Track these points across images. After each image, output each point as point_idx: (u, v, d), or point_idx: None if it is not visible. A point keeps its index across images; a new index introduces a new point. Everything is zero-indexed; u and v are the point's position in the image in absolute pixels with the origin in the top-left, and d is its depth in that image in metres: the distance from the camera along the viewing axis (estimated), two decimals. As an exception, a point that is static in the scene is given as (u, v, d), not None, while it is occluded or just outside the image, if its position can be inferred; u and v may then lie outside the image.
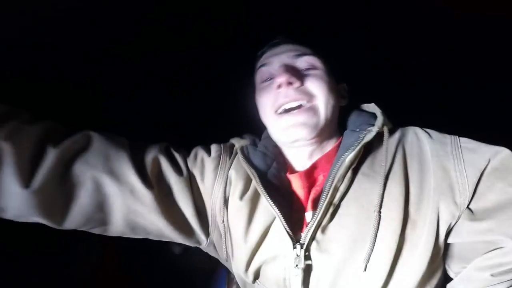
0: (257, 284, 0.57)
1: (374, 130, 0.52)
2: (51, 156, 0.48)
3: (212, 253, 0.65)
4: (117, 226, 0.54)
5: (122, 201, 0.52)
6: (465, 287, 0.49)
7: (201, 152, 0.61)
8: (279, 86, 0.53)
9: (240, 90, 0.68)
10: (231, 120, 0.80)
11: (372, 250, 0.47)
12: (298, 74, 0.55)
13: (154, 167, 0.56)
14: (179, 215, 0.57)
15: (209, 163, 0.60)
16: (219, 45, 0.84)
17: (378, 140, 0.54)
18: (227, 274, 1.07)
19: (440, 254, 0.50)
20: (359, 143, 0.51)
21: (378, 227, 0.47)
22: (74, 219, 0.51)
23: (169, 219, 0.55)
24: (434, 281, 0.51)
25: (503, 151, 0.48)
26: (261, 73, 0.59)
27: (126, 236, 0.58)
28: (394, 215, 0.48)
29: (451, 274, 0.53)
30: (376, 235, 0.47)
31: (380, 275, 0.47)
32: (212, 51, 0.84)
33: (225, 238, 0.58)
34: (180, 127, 0.92)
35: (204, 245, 0.61)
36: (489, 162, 0.48)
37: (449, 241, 0.50)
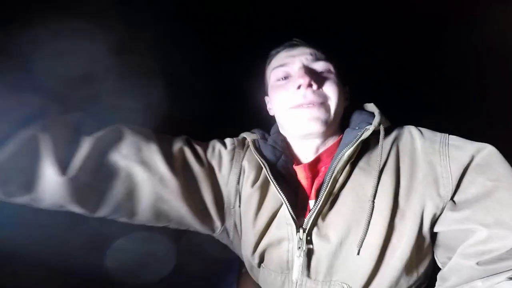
0: (262, 267, 0.64)
1: (370, 129, 0.57)
2: (85, 146, 0.52)
3: (223, 239, 0.70)
4: (143, 214, 0.58)
5: (152, 188, 0.56)
6: (456, 277, 0.51)
7: (217, 145, 0.67)
8: (299, 87, 0.58)
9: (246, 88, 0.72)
10: (237, 117, 0.84)
11: (365, 236, 0.53)
12: (316, 77, 0.60)
13: (180, 158, 0.61)
14: (200, 202, 0.62)
15: (225, 155, 0.65)
16: (226, 46, 0.87)
17: (375, 137, 0.59)
18: (239, 265, 1.13)
19: (426, 243, 0.54)
20: (357, 140, 0.56)
21: (371, 215, 0.53)
22: (106, 208, 0.55)
23: (192, 206, 0.60)
24: (422, 268, 0.55)
25: (486, 147, 0.52)
26: (277, 72, 0.64)
27: (147, 225, 0.61)
28: (385, 205, 0.53)
29: (439, 264, 0.57)
30: (369, 223, 0.53)
31: (371, 259, 0.52)
32: (219, 52, 0.88)
33: (237, 223, 0.65)
34: (190, 125, 0.96)
35: (218, 231, 0.66)
36: (472, 158, 0.52)
37: (434, 230, 0.54)
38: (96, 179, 0.53)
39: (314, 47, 0.64)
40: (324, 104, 0.59)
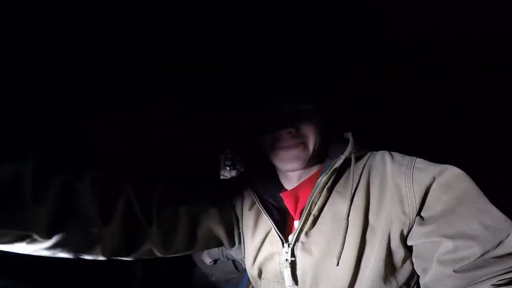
0: (263, 279, 0.75)
1: (342, 158, 0.67)
2: (157, 201, 0.67)
3: (238, 255, 0.84)
4: (198, 243, 0.73)
5: (203, 219, 0.73)
6: (440, 287, 0.54)
7: (228, 182, 0.86)
8: (279, 134, 0.67)
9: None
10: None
11: (342, 249, 0.61)
12: (295, 121, 0.68)
13: (210, 195, 0.77)
14: (230, 225, 0.78)
15: (234, 188, 0.82)
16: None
17: (350, 164, 0.68)
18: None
19: (400, 255, 0.60)
20: (330, 169, 0.66)
21: (346, 232, 0.62)
22: (176, 245, 0.70)
23: (226, 228, 0.76)
24: (402, 278, 0.61)
25: (447, 169, 0.59)
26: (262, 113, 0.71)
27: (198, 251, 0.79)
28: (357, 222, 0.62)
29: (418, 273, 0.62)
30: (345, 238, 0.62)
31: (348, 269, 0.61)
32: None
33: (242, 240, 0.78)
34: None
35: (235, 247, 0.81)
36: (434, 179, 0.59)
37: (408, 244, 0.61)
38: (169, 224, 0.68)
39: (295, 83, 0.72)
40: (303, 143, 0.68)
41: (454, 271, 0.51)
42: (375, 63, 0.97)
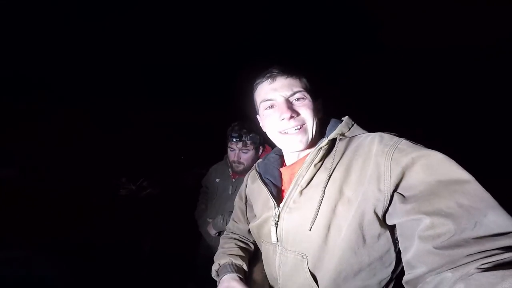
0: (261, 242, 0.87)
1: (328, 138, 0.74)
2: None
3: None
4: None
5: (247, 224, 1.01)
6: (422, 264, 0.53)
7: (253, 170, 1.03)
8: (283, 119, 0.77)
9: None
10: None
11: (316, 217, 0.68)
12: (294, 107, 0.79)
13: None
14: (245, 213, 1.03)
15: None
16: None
17: (341, 142, 0.74)
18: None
19: (374, 231, 0.64)
20: (317, 147, 0.74)
21: (321, 201, 0.68)
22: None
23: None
24: (375, 253, 0.66)
25: (431, 152, 0.60)
26: (264, 104, 0.82)
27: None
28: (333, 194, 0.68)
29: (402, 251, 0.61)
30: (319, 207, 0.68)
31: (319, 235, 0.68)
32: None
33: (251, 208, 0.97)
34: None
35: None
36: (413, 160, 0.60)
37: (391, 222, 0.63)
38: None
39: (290, 75, 0.80)
40: (303, 126, 0.78)
41: (433, 247, 0.52)
42: (373, 63, 0.97)
